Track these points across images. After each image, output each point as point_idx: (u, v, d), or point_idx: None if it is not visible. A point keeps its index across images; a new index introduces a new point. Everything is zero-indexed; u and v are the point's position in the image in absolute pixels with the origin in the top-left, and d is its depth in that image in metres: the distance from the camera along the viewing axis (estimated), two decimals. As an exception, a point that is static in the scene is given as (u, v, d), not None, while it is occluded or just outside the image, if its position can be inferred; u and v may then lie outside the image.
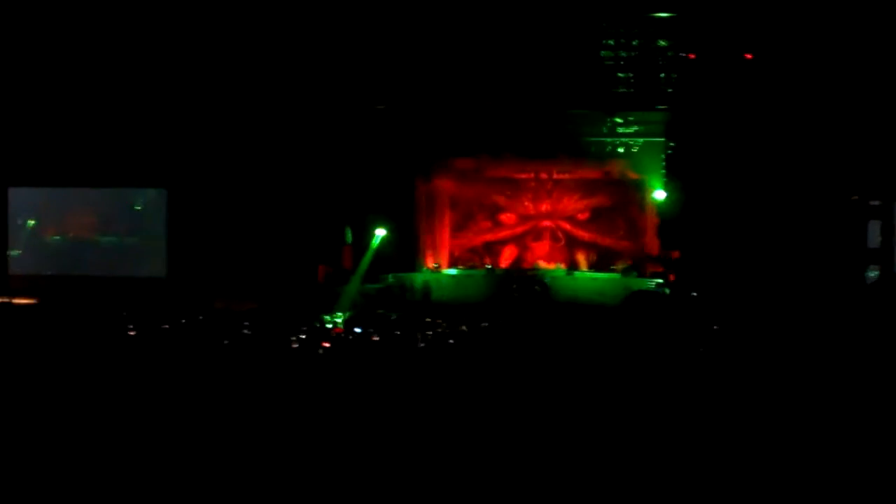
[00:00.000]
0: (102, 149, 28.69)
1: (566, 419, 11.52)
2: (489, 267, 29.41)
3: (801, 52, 26.46)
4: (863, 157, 26.62)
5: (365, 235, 28.36)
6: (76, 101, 28.51)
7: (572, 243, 30.17)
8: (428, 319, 21.65)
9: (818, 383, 13.35)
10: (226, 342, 18.33)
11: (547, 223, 30.17)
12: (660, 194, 28.37)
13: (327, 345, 17.79)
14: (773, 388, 13.09)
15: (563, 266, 29.55)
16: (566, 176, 30.02)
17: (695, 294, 25.50)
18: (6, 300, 26.64)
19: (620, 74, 28.39)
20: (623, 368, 14.40)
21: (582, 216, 30.22)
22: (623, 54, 28.17)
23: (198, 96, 28.35)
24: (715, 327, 19.90)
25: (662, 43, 28.06)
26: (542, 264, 29.43)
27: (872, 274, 26.89)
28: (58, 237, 30.32)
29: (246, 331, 19.70)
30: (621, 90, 28.50)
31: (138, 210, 30.30)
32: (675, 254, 27.78)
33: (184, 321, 21.35)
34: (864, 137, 26.43)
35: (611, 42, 28.31)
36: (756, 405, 11.99)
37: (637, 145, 28.95)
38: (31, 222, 30.10)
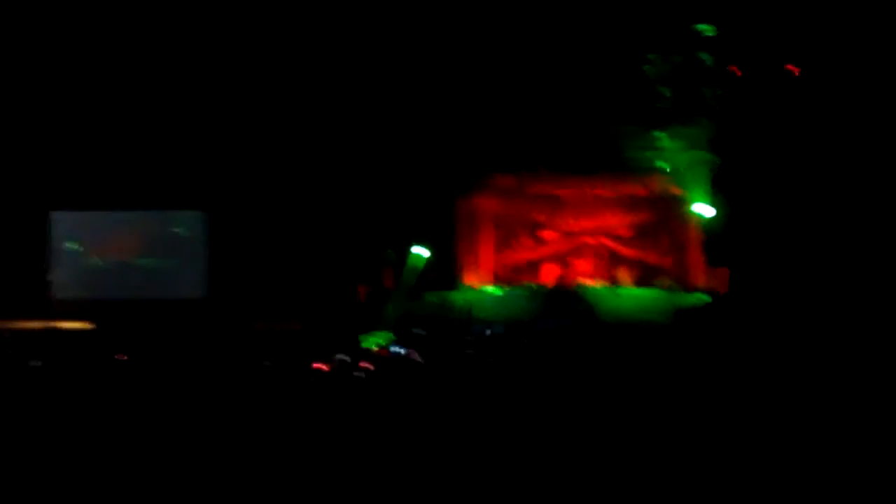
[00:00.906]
0: (142, 172, 28.78)
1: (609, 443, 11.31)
2: (532, 285, 29.18)
3: (845, 63, 26.18)
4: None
5: (407, 255, 28.23)
6: (117, 126, 28.63)
7: (615, 260, 29.94)
8: (469, 338, 21.49)
9: (875, 398, 13.03)
10: (267, 363, 18.19)
11: (589, 240, 29.96)
12: (704, 209, 28.05)
13: (370, 366, 17.61)
14: (829, 405, 12.78)
15: (606, 283, 29.31)
16: (608, 192, 29.79)
17: (745, 309, 25.14)
18: (49, 324, 26.63)
19: (663, 89, 28.14)
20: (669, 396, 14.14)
21: (624, 232, 29.99)
22: (666, 68, 27.94)
23: (238, 119, 28.38)
24: (768, 344, 19.56)
25: (705, 57, 27.80)
26: (586, 281, 29.19)
27: None
28: (98, 260, 30.34)
29: (287, 352, 19.56)
30: (664, 105, 28.25)
31: (178, 232, 30.27)
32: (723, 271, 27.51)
33: (224, 342, 21.27)
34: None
35: (653, 57, 28.08)
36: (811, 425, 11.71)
37: (680, 160, 28.65)
38: (74, 245, 30.16)
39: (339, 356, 18.43)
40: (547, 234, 30.09)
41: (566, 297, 27.73)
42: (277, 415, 13.27)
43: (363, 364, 17.61)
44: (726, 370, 16.10)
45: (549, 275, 29.68)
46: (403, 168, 28.14)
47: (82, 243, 30.29)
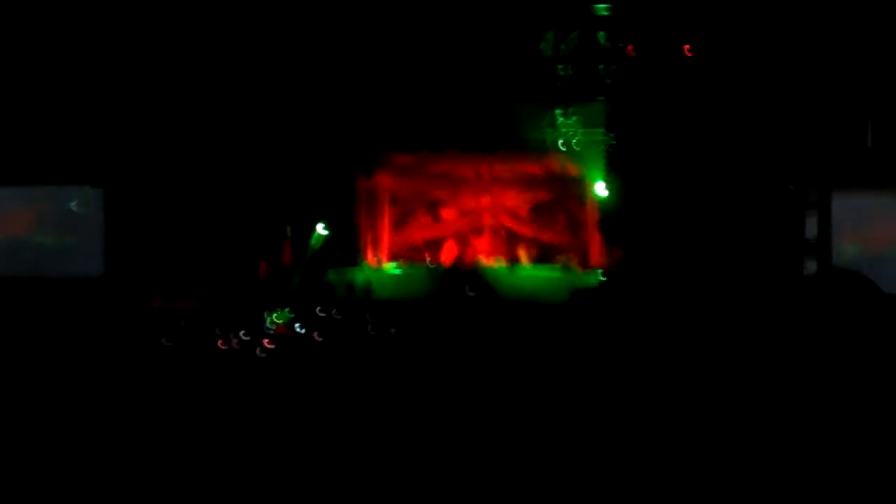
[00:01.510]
0: (35, 146, 28.31)
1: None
2: (430, 263, 29.30)
3: (737, 41, 26.58)
4: (800, 147, 26.81)
5: (306, 231, 28.17)
6: (6, 98, 28.10)
7: (513, 239, 30.16)
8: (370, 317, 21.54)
9: (760, 380, 13.35)
10: (165, 342, 18.08)
11: (488, 218, 30.14)
12: (600, 188, 28.38)
13: (270, 345, 17.61)
14: (715, 386, 13.08)
15: (504, 262, 29.52)
16: (506, 171, 29.99)
17: (638, 285, 25.54)
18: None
19: (559, 67, 28.31)
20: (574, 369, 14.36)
21: (522, 211, 30.21)
22: (562, 47, 28.11)
23: (134, 91, 28.00)
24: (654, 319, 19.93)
25: (601, 35, 28.03)
26: (484, 260, 29.38)
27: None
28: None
29: (186, 330, 19.47)
30: (560, 83, 28.42)
31: (73, 208, 29.85)
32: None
33: (122, 321, 21.08)
34: (802, 127, 26.62)
35: (549, 35, 28.22)
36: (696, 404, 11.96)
37: (577, 139, 28.89)
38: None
39: (240, 335, 18.40)
40: (446, 213, 30.23)
41: (464, 276, 27.92)
42: (177, 397, 13.23)
43: (265, 343, 17.62)
44: (621, 348, 16.38)
45: (448, 253, 29.84)
46: (304, 144, 28.02)
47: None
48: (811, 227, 26.98)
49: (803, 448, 10.12)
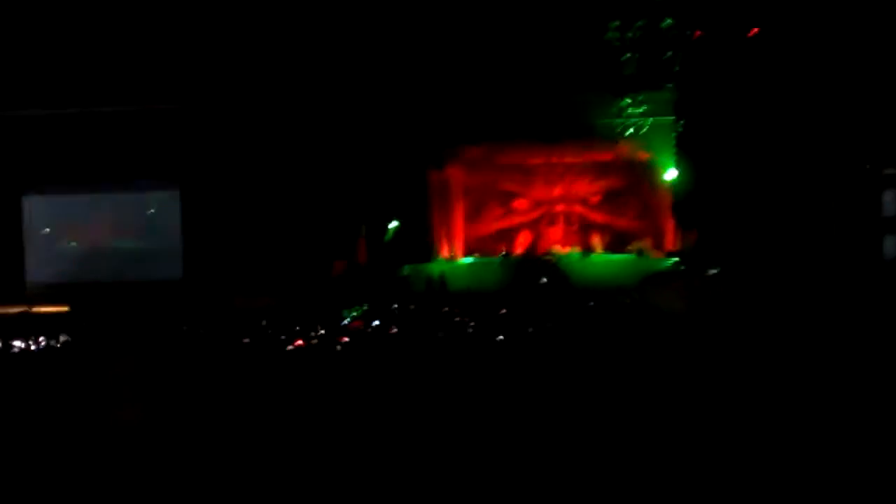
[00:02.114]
0: (113, 151, 28.77)
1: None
2: (504, 254, 29.39)
3: (807, 23, 26.29)
4: (876, 127, 26.47)
5: (380, 228, 28.39)
6: (85, 107, 28.56)
7: (586, 227, 30.17)
8: (446, 309, 21.61)
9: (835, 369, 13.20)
10: (245, 340, 18.29)
11: (560, 207, 30.18)
12: (671, 174, 28.31)
13: (346, 339, 17.74)
14: (787, 376, 12.92)
15: (577, 250, 29.53)
16: (577, 160, 30.02)
17: (713, 272, 25.37)
18: (25, 309, 26.70)
19: (626, 55, 28.22)
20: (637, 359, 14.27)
21: (594, 199, 30.21)
22: (629, 35, 28.02)
23: (205, 94, 28.36)
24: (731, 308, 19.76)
25: (667, 22, 27.88)
26: (557, 249, 29.41)
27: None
28: (73, 243, 30.38)
29: (265, 327, 19.67)
30: (628, 71, 28.33)
31: (152, 214, 30.33)
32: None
33: (202, 322, 21.34)
34: (877, 107, 26.28)
35: (616, 23, 28.14)
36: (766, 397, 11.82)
37: (646, 125, 28.84)
38: (47, 229, 30.20)
39: (318, 331, 18.57)
40: (517, 204, 30.32)
41: (539, 265, 27.99)
42: (261, 393, 13.40)
43: (341, 338, 17.75)
44: (696, 337, 16.28)
45: (520, 244, 29.92)
46: (374, 141, 28.20)
47: (56, 227, 30.33)
48: (889, 206, 26.64)
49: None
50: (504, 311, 20.84)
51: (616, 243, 29.68)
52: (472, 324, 18.76)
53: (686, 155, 27.79)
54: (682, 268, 26.86)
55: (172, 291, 27.71)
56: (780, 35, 26.58)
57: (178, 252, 29.30)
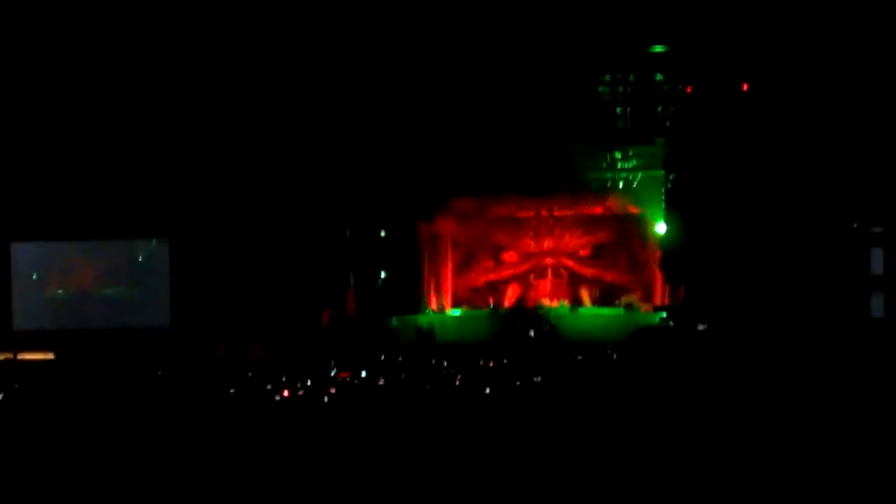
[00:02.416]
0: (102, 201, 28.69)
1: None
2: (493, 306, 29.35)
3: (798, 81, 26.41)
4: (863, 185, 26.55)
5: (368, 278, 28.33)
6: (74, 155, 28.52)
7: (575, 280, 30.14)
8: (434, 361, 21.53)
9: (823, 414, 13.17)
10: (232, 391, 18.16)
11: (549, 260, 30.17)
12: (661, 228, 28.35)
13: (333, 391, 17.64)
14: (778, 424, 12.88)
15: (566, 303, 29.48)
16: (567, 212, 30.03)
17: (701, 328, 25.36)
18: (10, 356, 26.54)
19: (618, 109, 28.30)
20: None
21: (583, 252, 30.20)
22: (620, 89, 28.10)
23: (196, 144, 28.33)
24: (721, 360, 19.70)
25: (659, 77, 28.00)
26: (546, 302, 29.36)
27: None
28: (60, 291, 30.25)
29: (252, 379, 19.55)
30: (619, 125, 28.40)
31: (140, 261, 30.23)
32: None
33: (188, 371, 21.21)
34: (864, 164, 26.36)
35: (607, 77, 28.23)
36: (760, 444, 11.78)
37: (636, 179, 28.92)
38: (34, 276, 30.08)
39: (305, 382, 18.46)
40: (507, 256, 30.31)
41: (527, 318, 27.90)
42: (246, 443, 13.28)
43: (329, 389, 17.66)
44: (683, 391, 16.22)
45: (509, 296, 29.87)
46: (364, 193, 28.18)
47: (43, 274, 30.21)
48: (877, 263, 26.65)
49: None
50: (492, 363, 20.77)
51: (605, 297, 29.66)
52: (460, 376, 18.66)
53: (676, 209, 27.85)
54: (671, 323, 26.82)
55: (160, 340, 27.55)
56: (772, 91, 26.72)
57: (166, 300, 29.16)
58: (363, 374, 19.92)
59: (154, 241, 29.73)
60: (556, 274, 30.01)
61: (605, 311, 28.88)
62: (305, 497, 10.53)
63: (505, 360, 20.98)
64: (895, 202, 26.57)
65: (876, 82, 25.94)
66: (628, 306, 28.71)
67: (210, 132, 28.05)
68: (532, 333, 27.13)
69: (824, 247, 26.58)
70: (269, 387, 18.08)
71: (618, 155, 28.71)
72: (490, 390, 16.79)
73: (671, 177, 28.25)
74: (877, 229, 26.86)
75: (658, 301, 28.65)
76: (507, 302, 29.72)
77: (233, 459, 12.14)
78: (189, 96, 27.92)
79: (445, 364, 20.85)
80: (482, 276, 30.24)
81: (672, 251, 27.70)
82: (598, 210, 29.67)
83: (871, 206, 26.85)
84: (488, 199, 29.02)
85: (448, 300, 29.88)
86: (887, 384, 15.79)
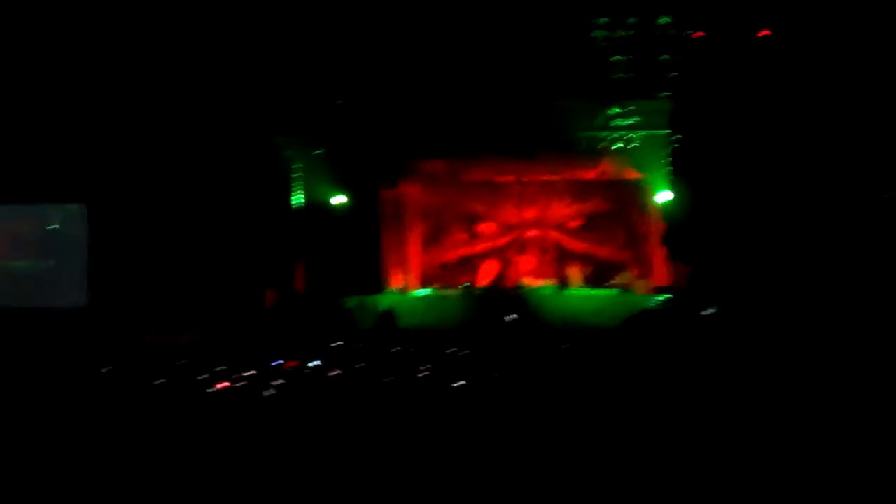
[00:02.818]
0: (12, 161, 28.47)
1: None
2: (466, 286, 29.27)
3: (823, 27, 26.37)
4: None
5: (320, 252, 28.23)
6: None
7: (563, 256, 30.11)
8: (396, 349, 21.52)
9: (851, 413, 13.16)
10: (159, 382, 18.07)
11: (533, 233, 30.11)
12: (664, 196, 28.28)
13: (279, 382, 17.58)
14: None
15: (552, 283, 29.45)
16: (554, 177, 29.95)
17: (709, 313, 25.32)
18: None
19: (616, 58, 28.22)
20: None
21: (573, 224, 30.16)
22: (619, 34, 28.02)
23: (119, 95, 28.11)
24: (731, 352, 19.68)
25: (664, 20, 27.92)
26: (529, 281, 29.32)
27: None
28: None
29: (184, 368, 19.48)
30: (617, 76, 28.32)
31: (54, 231, 30.02)
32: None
33: (109, 358, 21.10)
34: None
35: (604, 20, 28.13)
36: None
37: (636, 140, 28.82)
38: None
39: (245, 372, 18.38)
40: (483, 228, 30.24)
41: (506, 300, 27.84)
42: (175, 443, 13.17)
43: (273, 380, 17.58)
44: (687, 387, 16.18)
45: (486, 274, 29.83)
46: (316, 152, 28.06)
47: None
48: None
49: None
50: (464, 352, 20.75)
51: (597, 276, 29.63)
52: (427, 367, 18.61)
53: (682, 175, 27.78)
54: (674, 307, 26.81)
55: (76, 321, 27.36)
56: (794, 38, 26.63)
57: (83, 276, 28.95)
58: (313, 363, 19.86)
59: (70, 207, 29.50)
60: (541, 249, 29.97)
61: (596, 292, 28.85)
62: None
63: (479, 349, 20.97)
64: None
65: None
66: (625, 287, 28.69)
67: (135, 76, 27.83)
68: (512, 317, 27.07)
69: (852, 220, 26.56)
70: (202, 377, 18.01)
71: (615, 111, 28.61)
72: (461, 384, 16.74)
73: (676, 137, 28.16)
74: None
75: (659, 281, 28.62)
76: (483, 281, 29.66)
77: (156, 460, 12.02)
78: (114, 48, 27.73)
79: (410, 352, 20.84)
80: (454, 250, 30.18)
81: (676, 224, 27.67)
82: (591, 175, 29.60)
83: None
84: (462, 161, 28.92)
85: (414, 279, 29.81)
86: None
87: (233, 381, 17.85)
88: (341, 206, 28.56)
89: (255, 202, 27.94)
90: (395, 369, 18.62)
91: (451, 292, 29.08)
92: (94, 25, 27.52)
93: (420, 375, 18.06)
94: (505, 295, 28.23)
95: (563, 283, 29.39)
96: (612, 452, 11.88)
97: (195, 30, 27.34)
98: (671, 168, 28.24)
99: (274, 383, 17.55)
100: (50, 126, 28.26)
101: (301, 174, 28.67)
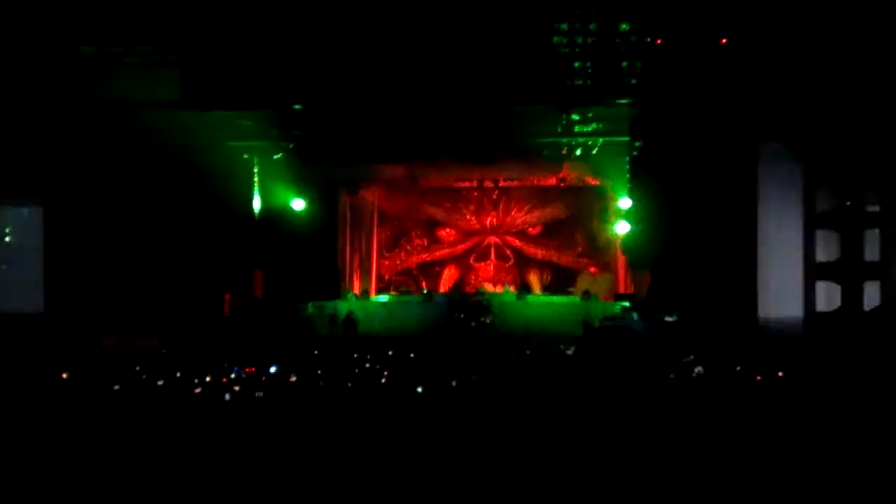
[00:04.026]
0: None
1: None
2: (426, 292, 29.29)
3: (784, 32, 26.44)
4: (860, 158, 26.65)
5: (279, 258, 28.17)
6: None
7: (523, 262, 30.16)
8: (355, 355, 21.53)
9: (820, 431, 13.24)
10: (116, 387, 18.00)
11: (493, 239, 30.16)
12: (625, 202, 28.34)
13: (236, 388, 17.55)
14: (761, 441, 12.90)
15: (512, 289, 29.50)
16: (514, 183, 30.01)
17: (669, 320, 25.42)
18: None
19: (576, 64, 28.20)
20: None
21: (533, 230, 30.22)
22: (579, 40, 28.00)
23: (78, 94, 27.93)
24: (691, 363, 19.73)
25: (625, 26, 27.93)
26: (488, 288, 29.37)
27: None
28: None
29: (141, 374, 19.40)
30: (577, 82, 28.29)
31: (7, 232, 29.88)
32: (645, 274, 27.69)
33: (64, 362, 21.00)
34: (860, 135, 26.47)
35: (564, 26, 28.10)
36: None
37: (596, 146, 28.86)
38: None
39: (202, 378, 18.35)
40: (443, 233, 30.27)
41: (466, 306, 27.84)
42: (133, 450, 13.13)
43: (231, 386, 17.55)
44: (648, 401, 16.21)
45: (445, 280, 29.86)
46: (274, 157, 27.99)
47: None
48: (872, 248, 26.74)
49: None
50: (424, 359, 20.77)
51: (557, 283, 29.69)
52: (386, 373, 18.63)
53: (643, 181, 27.79)
54: (635, 314, 26.88)
55: (30, 326, 27.23)
56: (755, 45, 26.69)
57: (38, 280, 28.82)
58: (272, 369, 19.83)
59: (25, 209, 29.36)
60: (501, 255, 30.06)
61: (557, 298, 28.93)
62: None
63: (440, 355, 20.98)
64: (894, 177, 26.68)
65: (867, 36, 26.04)
66: (585, 294, 28.74)
67: (84, 80, 27.65)
68: (472, 324, 27.10)
69: (813, 226, 26.70)
70: (160, 383, 17.97)
71: (575, 117, 28.60)
72: (422, 390, 16.76)
73: (637, 143, 28.18)
74: (872, 209, 26.94)
75: (620, 289, 28.71)
76: (443, 287, 29.71)
77: (113, 465, 11.99)
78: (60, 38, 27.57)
79: (369, 358, 20.84)
80: (414, 256, 30.25)
81: (637, 231, 27.71)
82: (551, 181, 29.68)
83: (868, 182, 26.96)
84: (421, 166, 28.90)
85: (373, 284, 29.83)
86: (884, 386, 15.93)
87: (188, 387, 17.84)
88: (300, 211, 28.49)
89: (214, 207, 27.81)
90: (355, 375, 18.64)
91: (411, 298, 29.11)
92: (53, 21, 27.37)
93: (381, 381, 18.08)
94: (465, 301, 28.26)
95: (524, 289, 29.47)
96: (570, 458, 11.92)
97: (174, 30, 27.23)
98: (631, 174, 28.27)
99: (232, 389, 17.54)
100: (4, 127, 28.06)
101: (259, 179, 28.58)
